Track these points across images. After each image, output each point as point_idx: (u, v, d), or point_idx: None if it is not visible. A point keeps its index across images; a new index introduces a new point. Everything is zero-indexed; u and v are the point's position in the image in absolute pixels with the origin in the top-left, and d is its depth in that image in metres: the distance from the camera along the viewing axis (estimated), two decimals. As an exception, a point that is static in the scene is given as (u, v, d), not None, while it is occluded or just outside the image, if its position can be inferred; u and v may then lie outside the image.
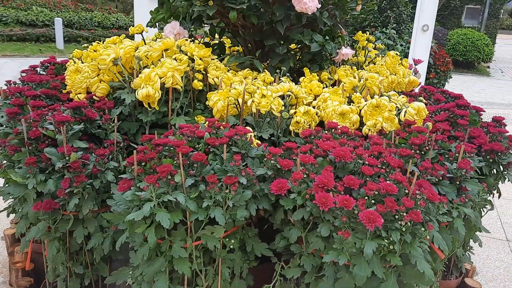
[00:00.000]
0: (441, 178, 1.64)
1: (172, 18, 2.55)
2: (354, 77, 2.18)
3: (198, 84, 2.06)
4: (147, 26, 2.60)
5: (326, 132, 1.80)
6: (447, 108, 2.15)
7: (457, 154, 1.75)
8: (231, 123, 1.92)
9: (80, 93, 2.21)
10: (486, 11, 18.53)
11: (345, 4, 2.35)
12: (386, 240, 1.37)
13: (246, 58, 2.22)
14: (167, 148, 1.58)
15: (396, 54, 2.57)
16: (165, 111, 1.99)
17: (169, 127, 2.03)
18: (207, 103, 2.06)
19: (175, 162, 1.52)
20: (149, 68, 1.98)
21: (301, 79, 2.18)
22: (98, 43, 2.44)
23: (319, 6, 2.02)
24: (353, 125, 1.96)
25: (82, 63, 2.37)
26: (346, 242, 1.37)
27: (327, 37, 2.29)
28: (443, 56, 8.77)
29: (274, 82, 2.14)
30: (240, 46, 2.63)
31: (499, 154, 1.88)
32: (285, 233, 1.57)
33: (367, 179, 1.51)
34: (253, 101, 1.78)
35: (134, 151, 1.50)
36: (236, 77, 2.14)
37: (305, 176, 1.49)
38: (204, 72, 2.12)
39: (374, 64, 2.51)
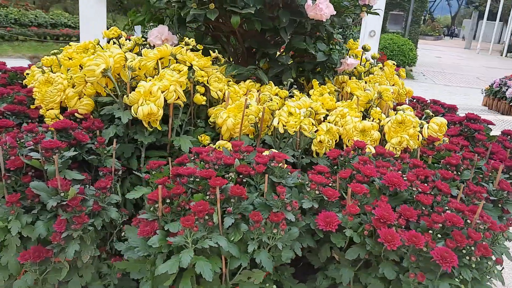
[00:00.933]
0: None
1: (152, 21, 2.26)
2: (364, 89, 2.04)
3: (201, 99, 1.80)
4: (123, 29, 2.29)
5: (353, 152, 1.63)
6: (458, 121, 2.08)
7: (490, 173, 1.65)
8: (246, 143, 1.69)
9: (52, 109, 1.86)
10: (409, 18, 19.62)
11: (346, 11, 2.21)
12: (457, 279, 1.22)
13: (249, 68, 1.99)
14: (192, 179, 1.32)
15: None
16: (164, 130, 1.71)
17: (168, 148, 1.76)
18: (210, 120, 1.81)
19: (207, 197, 1.27)
20: (142, 80, 1.70)
21: (311, 92, 2.00)
22: (70, 46, 2.09)
23: (334, 12, 1.85)
24: (374, 143, 1.81)
25: (53, 72, 2.01)
26: (414, 283, 1.20)
27: (331, 46, 2.13)
28: (384, 61, 9.03)
29: (276, 95, 1.94)
30: (227, 54, 2.39)
31: (521, 170, 1.83)
32: (330, 272, 1.37)
33: (422, 208, 1.35)
34: (279, 120, 1.56)
35: (160, 186, 1.22)
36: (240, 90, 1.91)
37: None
38: (204, 85, 1.87)
39: (370, 74, 2.39)
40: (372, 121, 1.86)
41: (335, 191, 1.35)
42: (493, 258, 1.28)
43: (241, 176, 1.37)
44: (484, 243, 1.27)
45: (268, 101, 1.80)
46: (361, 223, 1.30)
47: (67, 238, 1.32)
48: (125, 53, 1.80)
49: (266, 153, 1.52)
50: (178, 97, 1.69)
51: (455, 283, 1.21)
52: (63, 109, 1.89)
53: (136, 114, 1.59)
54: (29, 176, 1.39)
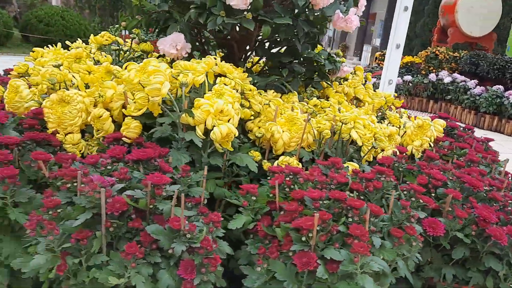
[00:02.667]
0: None
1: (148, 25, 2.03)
2: (370, 97, 2.19)
3: (249, 113, 1.72)
4: (114, 34, 2.00)
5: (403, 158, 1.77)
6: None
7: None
8: (306, 157, 1.68)
9: (71, 132, 1.56)
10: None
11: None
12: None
13: (272, 78, 1.96)
14: (322, 202, 1.29)
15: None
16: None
17: (224, 168, 1.64)
18: (256, 133, 1.74)
19: (349, 219, 1.26)
20: (192, 97, 1.56)
21: (330, 99, 2.06)
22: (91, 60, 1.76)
23: (359, 24, 1.94)
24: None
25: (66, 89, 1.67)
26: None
27: (333, 54, 2.22)
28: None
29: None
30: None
31: None
32: (426, 273, 1.49)
33: (493, 204, 1.56)
34: (358, 133, 1.60)
35: (316, 214, 1.17)
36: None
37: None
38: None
39: (347, 80, 2.56)
40: (388, 125, 2.02)
41: (430, 199, 1.47)
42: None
43: (356, 193, 1.38)
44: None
45: (311, 112, 1.81)
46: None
47: (201, 284, 1.17)
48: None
49: (350, 167, 1.55)
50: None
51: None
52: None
53: (206, 135, 1.46)
54: (138, 219, 1.17)
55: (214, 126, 1.48)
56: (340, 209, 1.29)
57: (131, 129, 1.49)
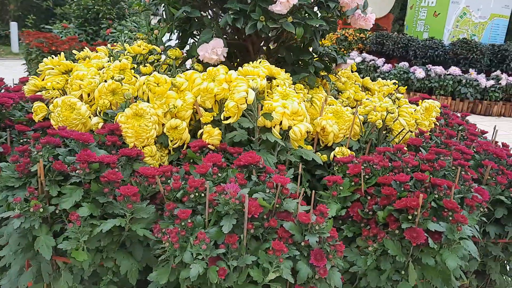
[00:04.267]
0: None
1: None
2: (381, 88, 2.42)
3: (300, 111, 1.86)
4: (150, 42, 2.00)
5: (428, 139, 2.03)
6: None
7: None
8: (356, 146, 1.86)
9: (147, 145, 1.58)
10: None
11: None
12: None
13: (302, 75, 2.10)
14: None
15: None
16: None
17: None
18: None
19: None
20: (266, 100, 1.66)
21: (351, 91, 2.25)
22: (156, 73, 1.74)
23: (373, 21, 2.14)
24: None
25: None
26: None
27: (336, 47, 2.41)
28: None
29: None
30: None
31: None
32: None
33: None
34: (405, 121, 1.81)
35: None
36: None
37: None
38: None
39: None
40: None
41: (472, 170, 1.73)
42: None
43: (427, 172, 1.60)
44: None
45: (346, 105, 2.00)
46: None
47: (332, 268, 1.30)
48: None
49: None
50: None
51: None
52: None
53: (284, 135, 1.58)
54: (273, 219, 1.27)
55: (289, 126, 1.61)
56: (424, 188, 1.49)
57: (215, 136, 1.56)
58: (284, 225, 1.26)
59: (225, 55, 1.97)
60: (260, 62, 1.86)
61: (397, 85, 2.41)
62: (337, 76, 2.48)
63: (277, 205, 1.31)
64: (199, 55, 2.03)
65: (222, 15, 2.06)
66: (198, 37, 2.22)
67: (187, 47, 2.25)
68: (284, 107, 1.60)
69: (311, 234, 1.28)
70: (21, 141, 1.69)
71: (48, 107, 1.79)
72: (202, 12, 2.05)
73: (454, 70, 8.77)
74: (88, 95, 1.79)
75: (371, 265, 1.41)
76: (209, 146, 1.55)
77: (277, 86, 1.77)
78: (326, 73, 2.45)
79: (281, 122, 1.60)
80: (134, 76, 1.79)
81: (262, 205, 1.26)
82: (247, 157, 1.40)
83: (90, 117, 1.66)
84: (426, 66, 8.84)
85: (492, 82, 8.55)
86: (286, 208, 1.32)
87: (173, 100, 1.61)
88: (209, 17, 2.07)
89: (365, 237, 1.45)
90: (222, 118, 1.55)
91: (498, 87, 8.54)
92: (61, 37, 9.48)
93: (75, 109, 1.63)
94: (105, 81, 1.78)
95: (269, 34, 2.11)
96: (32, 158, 1.38)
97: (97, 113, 1.66)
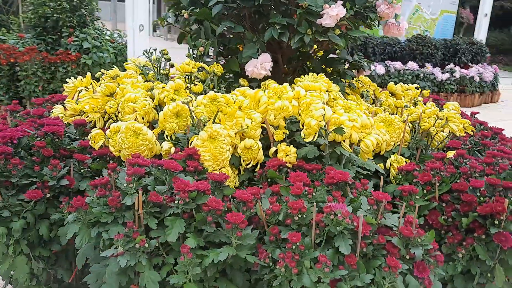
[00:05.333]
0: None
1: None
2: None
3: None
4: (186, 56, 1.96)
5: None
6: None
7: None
8: (407, 153, 1.92)
9: (223, 167, 1.56)
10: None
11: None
12: None
13: (341, 84, 2.13)
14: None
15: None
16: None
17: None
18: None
19: None
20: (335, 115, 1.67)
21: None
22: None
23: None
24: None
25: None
26: None
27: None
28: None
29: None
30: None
31: None
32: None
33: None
34: (456, 126, 1.88)
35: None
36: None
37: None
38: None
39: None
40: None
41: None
42: None
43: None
44: None
45: (390, 112, 2.04)
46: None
47: (434, 278, 1.34)
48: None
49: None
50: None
51: None
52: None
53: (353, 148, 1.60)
54: (381, 236, 1.29)
55: (359, 139, 1.63)
56: (498, 192, 1.56)
57: (292, 154, 1.55)
58: (392, 240, 1.28)
59: (271, 69, 1.97)
60: (311, 75, 1.87)
61: (419, 88, 2.50)
62: (359, 82, 2.53)
63: (379, 222, 1.33)
64: (239, 70, 2.01)
65: (256, 29, 2.06)
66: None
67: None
68: (352, 120, 1.62)
69: (415, 247, 1.31)
70: (82, 171, 1.61)
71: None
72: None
73: (412, 65, 9.13)
74: (142, 118, 1.73)
75: (460, 271, 1.46)
76: (287, 164, 1.54)
77: (334, 99, 1.79)
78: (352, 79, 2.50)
79: (350, 135, 1.62)
80: (189, 96, 1.75)
81: (369, 223, 1.28)
82: (338, 175, 1.41)
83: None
84: (385, 62, 9.13)
85: (447, 75, 8.97)
86: (385, 223, 1.34)
87: (241, 120, 1.60)
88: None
89: (450, 244, 1.50)
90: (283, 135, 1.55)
91: (453, 79, 8.99)
92: (18, 47, 9.02)
93: (141, 134, 1.58)
94: (159, 104, 1.73)
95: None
96: (122, 191, 1.32)
97: (165, 137, 1.61)
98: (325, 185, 1.44)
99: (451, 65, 9.31)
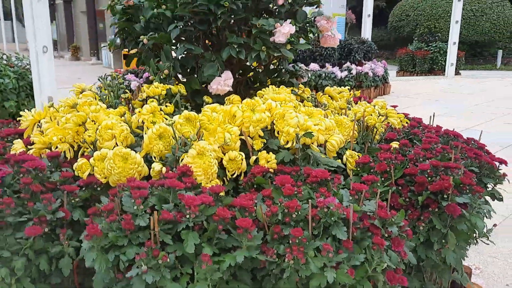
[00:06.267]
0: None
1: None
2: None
3: (311, 125, 2.12)
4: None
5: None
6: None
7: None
8: (358, 148, 2.19)
9: (213, 180, 1.69)
10: None
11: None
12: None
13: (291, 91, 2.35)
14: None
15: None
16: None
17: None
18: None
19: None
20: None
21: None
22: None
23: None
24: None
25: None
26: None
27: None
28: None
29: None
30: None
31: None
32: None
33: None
34: (396, 121, 2.18)
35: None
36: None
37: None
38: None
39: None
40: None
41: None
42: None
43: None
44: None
45: (336, 113, 2.31)
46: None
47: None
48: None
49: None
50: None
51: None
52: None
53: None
54: (367, 221, 1.52)
55: (326, 140, 1.86)
56: (440, 172, 1.88)
57: (272, 160, 1.73)
58: (375, 222, 1.52)
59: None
60: (271, 88, 2.06)
61: (351, 90, 2.82)
62: (300, 89, 2.79)
63: (360, 208, 1.56)
64: (199, 88, 2.15)
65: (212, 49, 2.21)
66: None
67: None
68: (316, 124, 1.84)
69: (391, 226, 1.56)
70: (72, 201, 1.64)
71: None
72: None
73: (314, 66, 9.81)
74: (122, 143, 1.80)
75: (422, 241, 1.75)
76: (270, 170, 1.72)
77: (294, 107, 2.00)
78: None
79: (317, 138, 1.84)
80: (165, 118, 1.85)
81: (355, 210, 1.50)
82: (319, 173, 1.62)
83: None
84: (290, 65, 9.71)
85: (345, 73, 9.78)
86: (365, 209, 1.58)
87: (221, 134, 1.74)
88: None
89: (411, 220, 1.78)
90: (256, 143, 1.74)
91: (351, 76, 9.84)
92: None
93: (129, 158, 1.65)
94: (139, 127, 1.81)
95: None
96: (132, 214, 1.40)
97: (153, 158, 1.70)
98: (308, 184, 1.64)
99: (348, 64, 10.16)
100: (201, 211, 1.42)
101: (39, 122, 2.10)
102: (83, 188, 1.69)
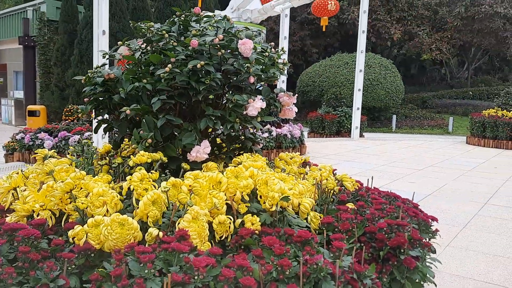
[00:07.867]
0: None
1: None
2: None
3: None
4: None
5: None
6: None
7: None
8: (319, 208, 2.45)
9: (205, 242, 1.83)
10: None
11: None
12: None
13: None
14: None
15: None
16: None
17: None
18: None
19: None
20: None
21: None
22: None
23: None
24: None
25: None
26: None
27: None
28: None
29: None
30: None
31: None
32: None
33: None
34: (348, 182, 2.48)
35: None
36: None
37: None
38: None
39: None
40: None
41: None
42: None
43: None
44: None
45: (297, 177, 2.58)
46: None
47: (379, 299, 1.85)
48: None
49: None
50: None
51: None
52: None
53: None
54: (347, 275, 1.73)
55: (299, 203, 2.10)
56: (394, 229, 2.18)
57: (256, 223, 1.92)
58: (353, 276, 1.75)
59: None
60: (246, 156, 2.28)
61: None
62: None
63: (341, 263, 1.79)
64: (176, 155, 2.31)
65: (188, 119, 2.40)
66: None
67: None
68: (291, 189, 2.08)
69: (365, 278, 1.80)
70: (69, 268, 1.67)
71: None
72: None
73: (237, 127, 10.27)
74: (112, 209, 1.88)
75: (386, 291, 2.00)
76: (255, 232, 1.90)
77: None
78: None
79: (292, 201, 2.08)
80: (153, 185, 1.97)
81: (340, 266, 1.72)
82: (303, 233, 1.83)
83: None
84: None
85: (266, 134, 10.33)
86: (343, 264, 1.81)
87: (209, 200, 1.91)
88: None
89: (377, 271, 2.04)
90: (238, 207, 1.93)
91: (271, 138, 10.40)
92: None
93: (126, 224, 1.74)
94: (128, 194, 1.91)
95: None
96: (143, 278, 1.49)
97: (149, 224, 1.80)
98: (293, 243, 1.84)
99: (268, 126, 10.76)
100: (207, 272, 1.55)
101: (14, 189, 2.10)
102: (78, 255, 1.73)
